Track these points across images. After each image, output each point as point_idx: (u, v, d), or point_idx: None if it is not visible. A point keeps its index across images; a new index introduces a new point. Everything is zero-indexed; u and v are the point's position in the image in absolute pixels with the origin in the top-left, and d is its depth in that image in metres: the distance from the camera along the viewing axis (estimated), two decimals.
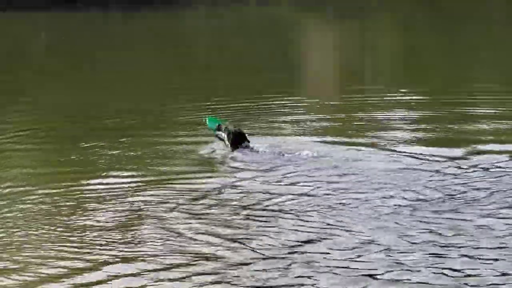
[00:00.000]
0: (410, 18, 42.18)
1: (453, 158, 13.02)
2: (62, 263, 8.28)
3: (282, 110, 17.92)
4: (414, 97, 19.92)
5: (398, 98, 19.87)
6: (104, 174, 11.83)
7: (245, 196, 10.58)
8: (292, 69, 26.49)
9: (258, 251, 8.84)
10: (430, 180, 11.66)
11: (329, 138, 15.07)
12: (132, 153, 13.15)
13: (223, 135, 12.59)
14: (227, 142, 12.48)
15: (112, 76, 25.07)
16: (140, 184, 11.33)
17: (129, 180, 11.72)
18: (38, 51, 33.92)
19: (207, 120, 13.29)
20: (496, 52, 29.10)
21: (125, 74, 25.25)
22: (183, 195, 10.55)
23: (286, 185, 11.29)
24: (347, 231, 9.40)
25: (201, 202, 10.20)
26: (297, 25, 39.14)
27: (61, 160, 13.46)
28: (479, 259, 8.23)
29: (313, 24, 39.11)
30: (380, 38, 35.86)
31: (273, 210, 10.05)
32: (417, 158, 13.26)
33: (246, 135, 12.79)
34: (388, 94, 20.34)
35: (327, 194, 10.86)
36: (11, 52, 32.67)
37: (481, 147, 13.78)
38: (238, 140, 12.35)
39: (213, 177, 11.71)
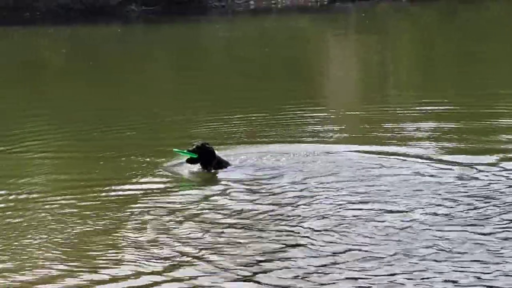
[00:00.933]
0: (430, 30, 38.27)
1: (477, 167, 12.07)
2: (62, 266, 8.01)
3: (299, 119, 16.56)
4: (431, 108, 18.32)
5: (414, 108, 18.58)
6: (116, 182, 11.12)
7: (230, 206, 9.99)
8: (312, 79, 25.06)
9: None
10: (456, 191, 10.74)
11: (353, 146, 14.17)
12: (134, 165, 12.24)
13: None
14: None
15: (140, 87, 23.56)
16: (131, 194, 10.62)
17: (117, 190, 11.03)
18: (59, 62, 32.16)
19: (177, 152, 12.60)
20: None
21: (151, 83, 24.20)
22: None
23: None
24: (347, 244, 8.85)
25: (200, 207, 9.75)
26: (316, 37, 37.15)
27: (71, 168, 12.63)
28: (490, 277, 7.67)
29: (332, 37, 36.99)
30: (400, 50, 33.75)
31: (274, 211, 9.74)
32: (434, 167, 12.26)
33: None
34: (404, 104, 19.19)
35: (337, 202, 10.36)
36: (34, 61, 31.03)
37: (505, 156, 12.78)
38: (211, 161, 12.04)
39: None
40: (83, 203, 10.76)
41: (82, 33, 38.64)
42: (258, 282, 7.94)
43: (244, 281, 8.06)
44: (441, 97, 20.52)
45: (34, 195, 11.50)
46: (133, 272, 8.28)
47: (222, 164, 12.00)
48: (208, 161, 11.84)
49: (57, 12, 41.02)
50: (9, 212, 10.57)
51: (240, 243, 9.13)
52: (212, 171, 11.89)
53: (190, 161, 11.90)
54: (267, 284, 7.88)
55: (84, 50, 34.82)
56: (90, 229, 9.70)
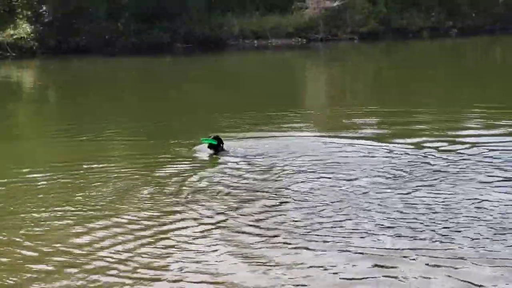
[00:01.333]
0: (376, 60, 40.43)
1: (402, 149, 14.31)
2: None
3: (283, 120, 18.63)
4: (375, 109, 21.30)
5: (363, 110, 21.19)
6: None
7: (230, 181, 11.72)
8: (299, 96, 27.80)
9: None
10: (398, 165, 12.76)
11: (322, 134, 16.83)
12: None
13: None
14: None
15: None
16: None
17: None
18: (130, 81, 34.33)
19: (203, 140, 14.09)
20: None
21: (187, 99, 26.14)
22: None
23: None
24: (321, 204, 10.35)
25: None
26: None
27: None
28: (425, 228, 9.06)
29: (308, 64, 39.40)
30: (354, 73, 35.57)
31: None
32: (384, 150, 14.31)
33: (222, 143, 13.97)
34: (357, 108, 21.71)
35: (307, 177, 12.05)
36: (114, 80, 33.82)
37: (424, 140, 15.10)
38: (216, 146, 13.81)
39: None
40: (145, 172, 12.62)
41: (146, 61, 39.04)
42: (259, 227, 9.49)
43: (250, 226, 9.52)
44: (382, 104, 22.92)
45: (113, 167, 13.68)
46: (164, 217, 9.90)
47: (225, 150, 13.98)
48: (220, 147, 13.83)
49: (129, 48, 42.14)
50: (100, 177, 12.54)
51: (244, 200, 10.72)
52: (220, 153, 13.84)
53: (210, 146, 13.73)
54: (267, 228, 9.46)
55: (146, 72, 35.81)
56: (139, 184, 11.67)
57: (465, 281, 7.55)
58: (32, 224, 10.12)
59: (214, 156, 13.55)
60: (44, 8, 42.43)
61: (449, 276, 7.67)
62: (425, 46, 45.57)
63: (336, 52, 43.45)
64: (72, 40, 41.77)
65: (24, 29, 42.35)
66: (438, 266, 7.87)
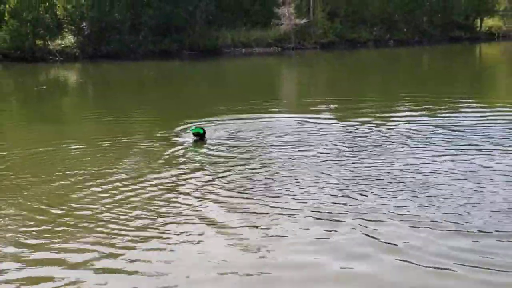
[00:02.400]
0: (331, 64, 39.71)
1: (355, 126, 14.29)
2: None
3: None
4: (331, 100, 20.99)
5: (323, 101, 21.16)
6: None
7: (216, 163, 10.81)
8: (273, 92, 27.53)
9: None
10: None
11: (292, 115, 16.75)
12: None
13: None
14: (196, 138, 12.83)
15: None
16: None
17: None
18: (149, 79, 33.16)
19: (191, 129, 13.08)
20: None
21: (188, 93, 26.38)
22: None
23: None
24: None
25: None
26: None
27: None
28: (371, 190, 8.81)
29: (283, 66, 39.23)
30: (317, 73, 35.34)
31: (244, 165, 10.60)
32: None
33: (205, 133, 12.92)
34: (319, 98, 21.93)
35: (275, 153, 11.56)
36: (137, 79, 32.79)
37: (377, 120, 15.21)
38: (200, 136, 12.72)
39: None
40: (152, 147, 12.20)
41: (160, 65, 38.50)
42: (253, 193, 8.93)
43: (243, 192, 8.99)
44: (337, 94, 23.25)
45: (127, 139, 13.53)
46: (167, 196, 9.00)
47: (206, 138, 12.77)
48: (203, 135, 12.75)
49: (147, 54, 41.60)
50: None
51: (234, 173, 10.09)
52: (204, 140, 12.76)
53: (197, 135, 12.61)
54: (259, 191, 8.99)
55: (160, 73, 35.32)
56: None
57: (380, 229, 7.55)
58: (64, 183, 10.02)
59: (199, 141, 12.76)
60: (84, 24, 41.66)
61: (381, 225, 7.64)
62: (369, 53, 45.39)
63: (303, 57, 43.03)
64: (104, 48, 41.51)
65: (69, 39, 42.07)
66: (382, 221, 7.73)
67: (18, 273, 6.73)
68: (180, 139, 13.25)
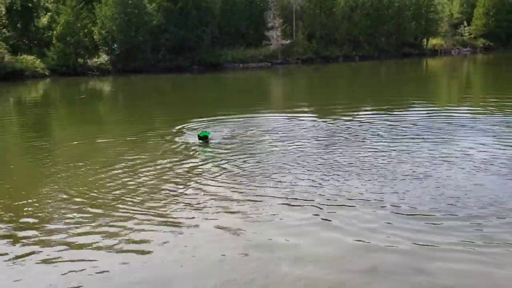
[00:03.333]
0: (310, 76, 39.46)
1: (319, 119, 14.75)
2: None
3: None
4: (313, 103, 21.45)
5: (304, 103, 21.45)
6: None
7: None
8: (265, 93, 26.82)
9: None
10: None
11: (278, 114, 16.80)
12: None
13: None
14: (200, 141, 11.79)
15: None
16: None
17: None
18: (167, 88, 32.55)
19: (199, 134, 12.00)
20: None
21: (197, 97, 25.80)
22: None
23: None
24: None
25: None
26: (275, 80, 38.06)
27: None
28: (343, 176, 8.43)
29: (272, 77, 38.35)
30: (298, 81, 34.71)
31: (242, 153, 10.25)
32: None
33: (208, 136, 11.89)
34: (301, 102, 21.75)
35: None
36: (156, 88, 31.77)
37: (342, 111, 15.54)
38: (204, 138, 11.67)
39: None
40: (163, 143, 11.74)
41: (174, 78, 37.47)
42: (236, 180, 8.50)
43: (232, 180, 8.51)
44: (314, 97, 23.54)
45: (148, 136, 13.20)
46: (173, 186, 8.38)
47: (209, 140, 11.80)
48: (207, 137, 11.76)
49: (165, 69, 40.74)
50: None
51: (238, 161, 9.57)
52: (207, 142, 11.74)
53: (202, 138, 11.58)
54: (243, 179, 8.56)
55: (175, 84, 34.56)
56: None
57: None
58: (93, 172, 9.86)
59: (204, 143, 11.85)
60: (115, 45, 41.54)
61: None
62: (340, 67, 44.42)
63: (288, 70, 42.33)
64: (131, 64, 40.97)
65: (103, 58, 41.65)
66: (344, 206, 7.51)
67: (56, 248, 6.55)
68: (189, 137, 12.93)
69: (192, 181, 8.81)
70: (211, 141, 11.96)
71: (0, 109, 23.32)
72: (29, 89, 32.92)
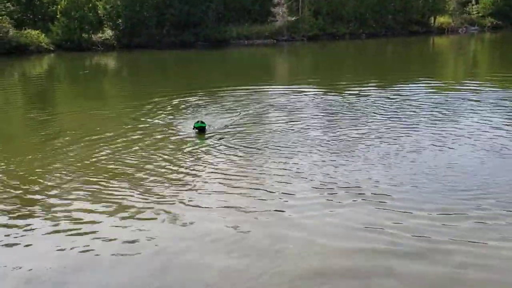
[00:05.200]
0: (316, 53, 38.92)
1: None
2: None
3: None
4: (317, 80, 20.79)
5: (297, 80, 21.24)
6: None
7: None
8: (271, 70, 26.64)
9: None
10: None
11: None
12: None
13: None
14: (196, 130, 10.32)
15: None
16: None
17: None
18: (171, 63, 32.36)
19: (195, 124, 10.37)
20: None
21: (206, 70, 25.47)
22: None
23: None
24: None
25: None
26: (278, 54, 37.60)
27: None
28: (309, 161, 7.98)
29: (277, 53, 37.69)
30: (306, 57, 34.18)
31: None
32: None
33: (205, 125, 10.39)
34: (307, 74, 21.28)
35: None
36: (163, 64, 31.70)
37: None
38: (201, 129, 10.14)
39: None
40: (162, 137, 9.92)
41: (179, 53, 37.04)
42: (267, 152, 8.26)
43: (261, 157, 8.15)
44: (316, 73, 22.86)
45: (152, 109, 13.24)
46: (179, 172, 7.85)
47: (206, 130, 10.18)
48: (204, 128, 10.22)
49: (169, 45, 40.35)
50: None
51: (242, 157, 8.35)
52: (205, 132, 10.13)
53: (199, 128, 10.15)
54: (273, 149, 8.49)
55: (180, 60, 34.22)
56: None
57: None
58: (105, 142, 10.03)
59: (201, 134, 10.35)
60: (119, 20, 41.00)
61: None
62: (346, 44, 43.80)
63: (293, 47, 41.67)
64: (136, 39, 40.77)
65: (108, 33, 41.26)
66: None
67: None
68: (194, 113, 12.69)
69: (196, 154, 8.87)
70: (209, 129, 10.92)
71: (4, 83, 23.37)
72: (33, 64, 32.82)
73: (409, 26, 51.75)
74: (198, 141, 9.81)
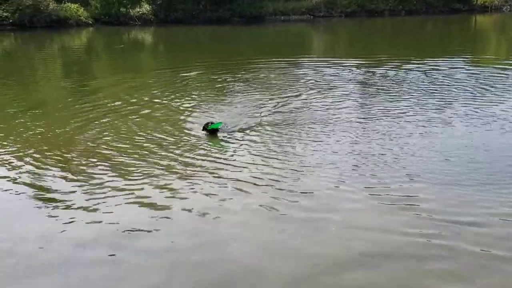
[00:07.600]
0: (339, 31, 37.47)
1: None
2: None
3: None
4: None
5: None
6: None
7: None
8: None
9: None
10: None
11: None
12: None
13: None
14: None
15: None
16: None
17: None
18: (193, 38, 31.92)
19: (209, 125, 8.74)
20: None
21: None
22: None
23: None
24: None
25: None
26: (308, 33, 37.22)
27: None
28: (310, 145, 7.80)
29: (311, 30, 37.19)
30: (339, 33, 33.62)
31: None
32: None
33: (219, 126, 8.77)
34: (342, 50, 20.93)
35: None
36: (183, 40, 31.87)
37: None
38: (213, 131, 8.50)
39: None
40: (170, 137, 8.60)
41: (215, 29, 36.87)
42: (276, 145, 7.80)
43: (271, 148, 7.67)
44: (352, 47, 22.74)
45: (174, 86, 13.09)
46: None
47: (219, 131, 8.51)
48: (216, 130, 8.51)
49: (206, 20, 40.37)
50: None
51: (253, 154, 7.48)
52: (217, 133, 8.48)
53: (213, 129, 8.65)
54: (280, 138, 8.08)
55: (215, 35, 34.05)
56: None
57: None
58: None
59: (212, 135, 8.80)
60: None
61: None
62: (385, 21, 42.54)
63: (330, 24, 40.97)
64: (173, 14, 40.85)
65: (145, 7, 41.34)
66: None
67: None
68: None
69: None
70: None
71: (44, 53, 23.99)
72: (72, 37, 33.32)
73: (450, 3, 49.97)
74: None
